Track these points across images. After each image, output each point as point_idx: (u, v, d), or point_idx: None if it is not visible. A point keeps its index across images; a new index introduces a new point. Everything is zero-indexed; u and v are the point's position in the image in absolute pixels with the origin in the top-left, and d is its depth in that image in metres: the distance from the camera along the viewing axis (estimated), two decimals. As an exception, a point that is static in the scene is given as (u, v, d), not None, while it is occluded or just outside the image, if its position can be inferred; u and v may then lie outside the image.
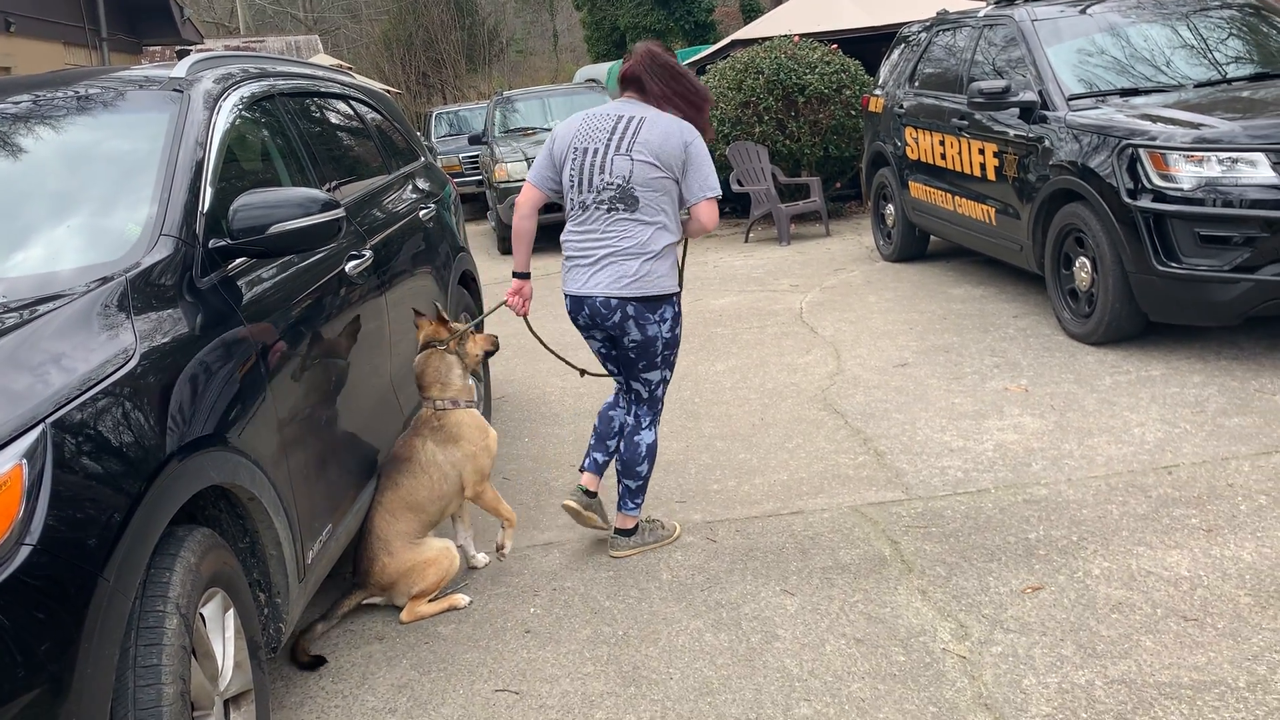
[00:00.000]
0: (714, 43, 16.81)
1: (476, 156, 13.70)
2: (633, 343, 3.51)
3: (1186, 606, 3.00)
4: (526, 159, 10.76)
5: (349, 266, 3.46)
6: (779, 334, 6.54)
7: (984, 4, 7.33)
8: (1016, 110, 6.01)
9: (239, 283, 2.80)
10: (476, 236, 13.50)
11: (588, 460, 3.79)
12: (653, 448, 3.65)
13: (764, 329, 6.71)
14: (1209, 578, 3.14)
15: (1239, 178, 4.73)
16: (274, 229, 2.74)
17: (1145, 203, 4.93)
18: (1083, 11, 6.39)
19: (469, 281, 5.17)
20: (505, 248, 11.31)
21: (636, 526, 3.72)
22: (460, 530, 3.76)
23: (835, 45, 10.72)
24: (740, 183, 10.30)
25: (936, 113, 7.19)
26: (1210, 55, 6.05)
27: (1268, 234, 4.64)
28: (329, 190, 3.68)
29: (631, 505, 3.69)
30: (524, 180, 3.69)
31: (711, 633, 3.15)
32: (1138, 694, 2.63)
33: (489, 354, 3.89)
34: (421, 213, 4.60)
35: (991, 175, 6.35)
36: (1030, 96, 5.91)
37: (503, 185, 10.74)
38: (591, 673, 3.00)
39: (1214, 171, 4.78)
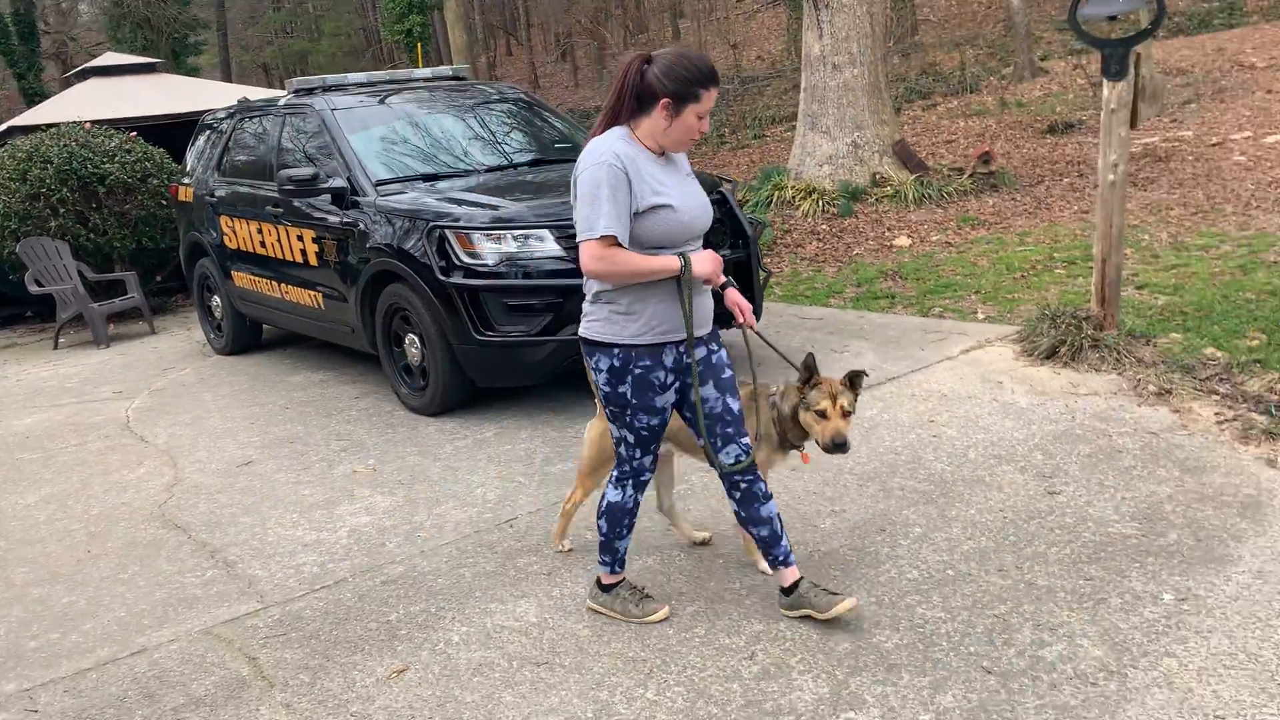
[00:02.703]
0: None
1: None
2: None
3: (537, 652, 3.19)
4: None
5: None
6: (104, 449, 5.81)
7: (285, 93, 7.35)
8: (329, 196, 6.08)
9: None
10: None
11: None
12: (610, 507, 3.32)
13: (84, 446, 5.92)
14: (554, 618, 3.39)
15: (532, 252, 5.29)
16: None
17: (458, 279, 5.28)
18: (381, 102, 6.71)
19: None
20: None
21: (610, 585, 3.44)
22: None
23: (134, 133, 10.01)
24: (39, 283, 9.09)
25: (250, 200, 7.03)
26: (498, 143, 6.73)
27: (561, 300, 5.25)
28: None
29: (601, 559, 3.41)
30: None
31: (37, 828, 2.60)
32: (505, 751, 2.72)
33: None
34: None
35: (314, 261, 6.35)
36: (340, 183, 6.02)
37: None
38: None
39: (511, 248, 5.29)
